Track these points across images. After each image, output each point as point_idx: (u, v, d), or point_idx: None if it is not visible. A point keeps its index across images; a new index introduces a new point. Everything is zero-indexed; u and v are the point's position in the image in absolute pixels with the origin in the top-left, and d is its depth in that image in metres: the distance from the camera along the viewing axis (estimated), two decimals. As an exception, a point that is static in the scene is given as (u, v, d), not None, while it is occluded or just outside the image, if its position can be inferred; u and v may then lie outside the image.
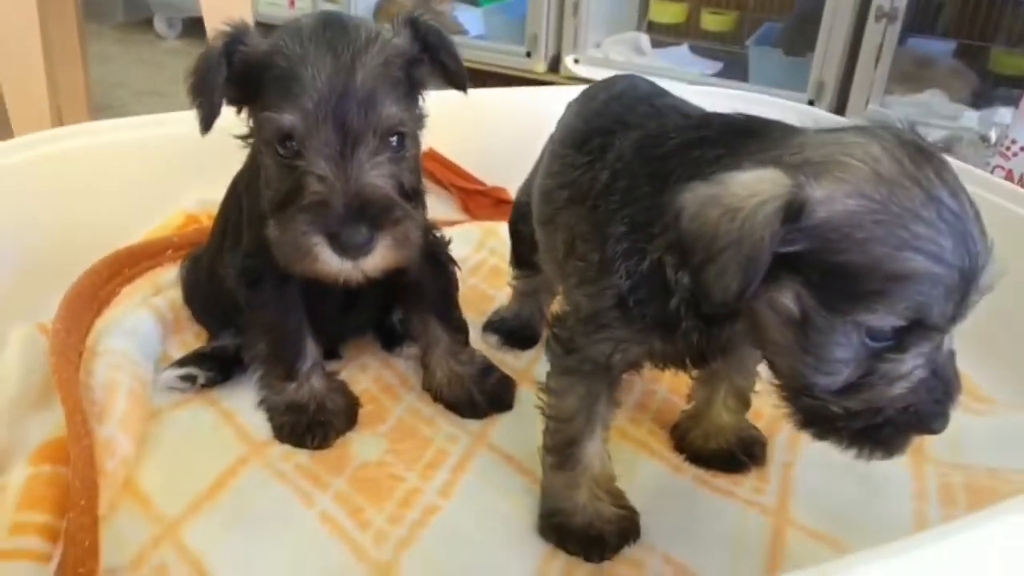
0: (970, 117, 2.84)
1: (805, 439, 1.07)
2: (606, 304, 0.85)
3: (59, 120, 2.34)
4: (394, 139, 0.91)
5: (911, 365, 0.69)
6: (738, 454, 1.06)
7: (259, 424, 1.10)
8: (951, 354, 0.71)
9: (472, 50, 3.65)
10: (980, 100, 3.00)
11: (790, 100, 2.93)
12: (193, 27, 4.11)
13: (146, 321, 1.20)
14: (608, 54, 3.51)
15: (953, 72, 3.15)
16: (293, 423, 1.08)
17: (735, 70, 3.38)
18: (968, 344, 1.27)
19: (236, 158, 1.06)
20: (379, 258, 0.88)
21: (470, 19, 3.83)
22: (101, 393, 1.04)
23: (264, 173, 0.96)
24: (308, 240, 0.86)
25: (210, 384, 1.15)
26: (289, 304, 1.07)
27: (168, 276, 1.29)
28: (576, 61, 3.47)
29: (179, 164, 1.40)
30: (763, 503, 1.00)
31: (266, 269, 1.03)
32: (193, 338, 1.25)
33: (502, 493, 1.01)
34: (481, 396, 1.15)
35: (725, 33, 3.67)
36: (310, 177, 0.87)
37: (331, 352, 1.22)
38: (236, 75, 0.93)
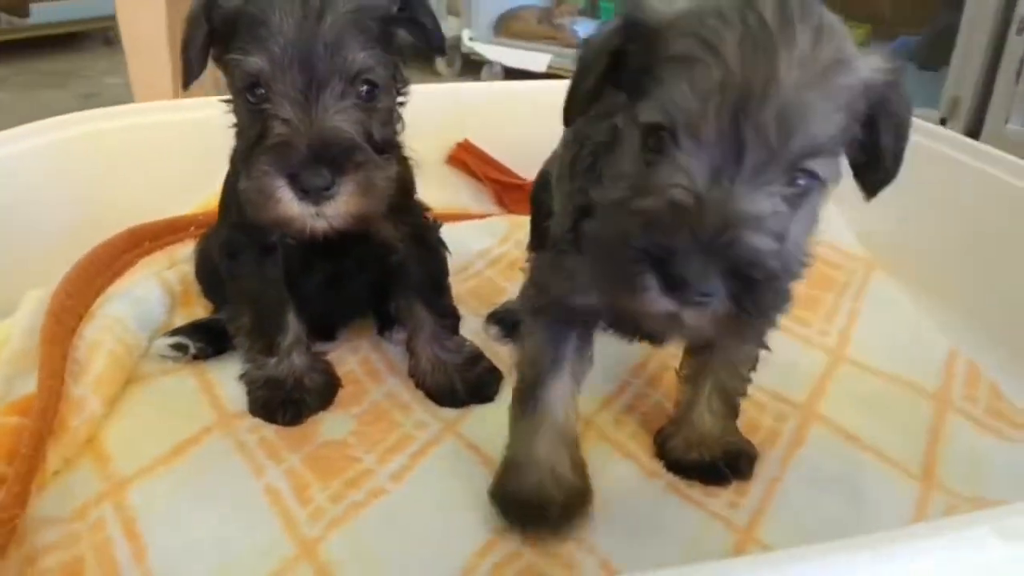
0: (1119, 135, 2.55)
1: (801, 455, 0.99)
2: (563, 229, 0.86)
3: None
4: (364, 88, 0.90)
5: (664, 176, 0.62)
6: (720, 466, 0.96)
7: (237, 397, 1.10)
8: (736, 194, 0.60)
9: (587, 63, 3.62)
10: None
11: (921, 117, 2.80)
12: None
13: (153, 291, 1.23)
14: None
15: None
16: (267, 398, 1.07)
17: (864, 85, 3.18)
18: (1001, 351, 1.13)
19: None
20: (342, 204, 0.86)
21: (588, 31, 3.79)
22: (84, 352, 1.07)
23: (237, 124, 0.97)
24: (270, 182, 0.85)
25: (201, 355, 1.17)
26: (269, 277, 1.06)
27: (185, 251, 1.32)
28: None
29: (217, 148, 1.43)
30: (732, 518, 0.91)
31: (246, 241, 1.04)
32: (202, 311, 1.27)
33: (454, 484, 0.96)
34: (462, 385, 1.10)
35: (856, 47, 3.47)
36: (274, 120, 0.87)
37: (327, 333, 1.22)
38: (217, 33, 0.94)
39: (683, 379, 0.99)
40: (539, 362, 0.89)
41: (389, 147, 0.97)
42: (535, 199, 1.21)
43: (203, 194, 1.47)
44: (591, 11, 4.10)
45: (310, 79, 0.86)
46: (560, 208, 0.94)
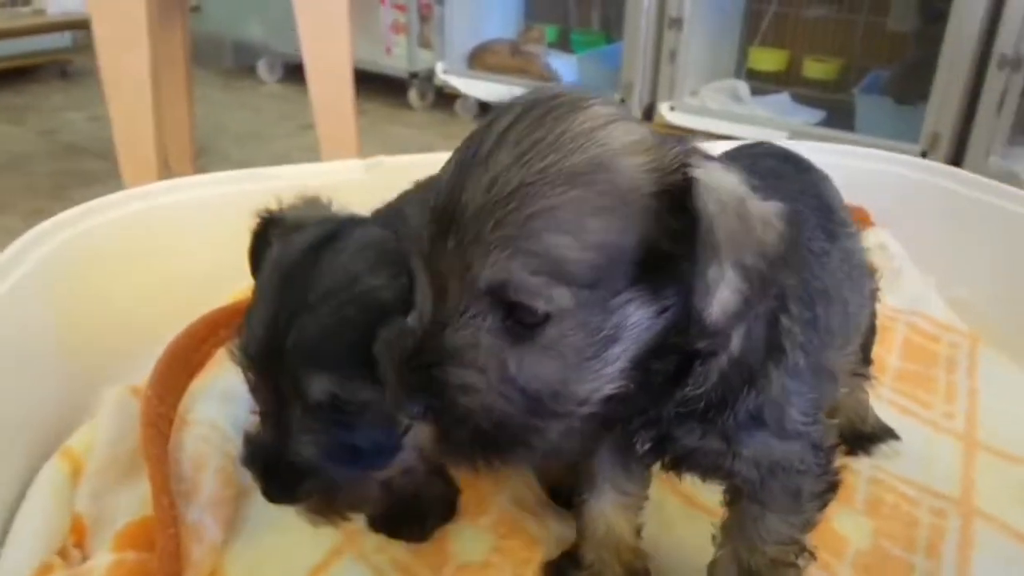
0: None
1: (978, 560, 0.95)
2: None
3: (164, 163, 2.38)
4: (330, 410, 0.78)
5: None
6: None
7: (353, 507, 1.01)
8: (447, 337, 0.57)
9: (566, 97, 3.60)
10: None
11: (901, 151, 2.84)
12: (294, 72, 4.18)
13: (237, 385, 1.13)
14: (705, 102, 3.41)
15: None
16: (386, 510, 0.98)
17: (839, 119, 3.24)
18: None
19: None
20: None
21: (564, 66, 3.79)
22: (189, 469, 0.97)
23: None
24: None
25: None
26: None
27: (263, 339, 1.23)
28: (672, 109, 3.38)
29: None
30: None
31: None
32: (286, 406, 1.18)
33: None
34: None
35: (828, 81, 3.53)
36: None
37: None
38: None
39: (720, 529, 0.84)
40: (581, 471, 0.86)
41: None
42: None
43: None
44: (563, 44, 4.07)
45: (276, 395, 0.78)
46: None
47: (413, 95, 3.91)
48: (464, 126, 3.76)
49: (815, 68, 3.54)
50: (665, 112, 3.38)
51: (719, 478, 0.77)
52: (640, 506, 0.90)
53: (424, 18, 3.91)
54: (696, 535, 0.97)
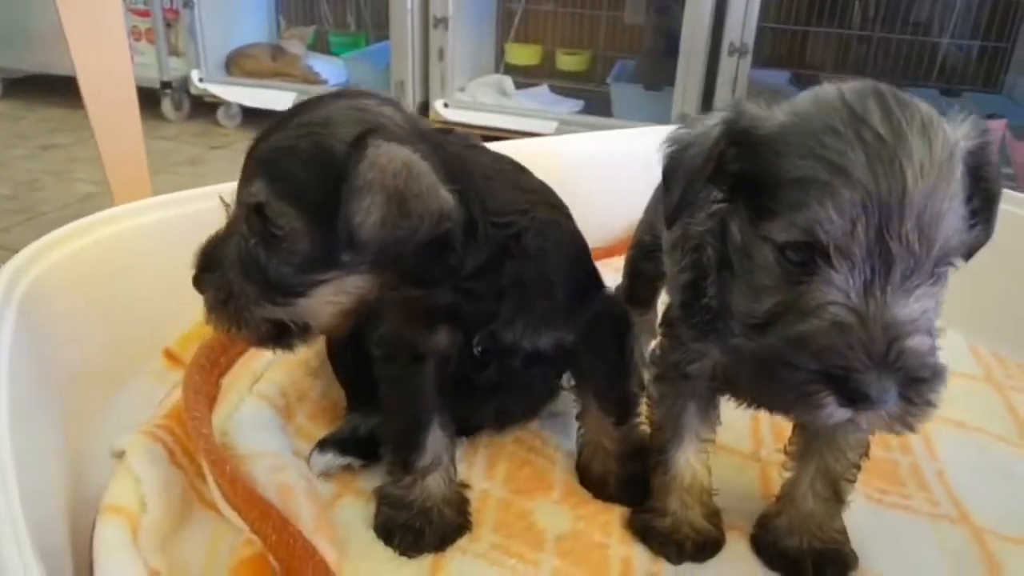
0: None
1: (942, 447, 1.15)
2: (675, 302, 0.90)
3: None
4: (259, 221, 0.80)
5: (819, 295, 0.65)
6: (807, 568, 0.95)
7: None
8: (890, 304, 0.64)
9: (336, 99, 3.55)
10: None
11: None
12: (16, 87, 3.71)
13: (265, 413, 1.08)
14: (476, 96, 3.54)
15: (791, 96, 3.45)
16: (389, 516, 0.98)
17: (597, 107, 3.47)
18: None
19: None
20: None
21: (329, 68, 3.73)
22: (277, 501, 0.92)
23: None
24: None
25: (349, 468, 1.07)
26: (416, 386, 0.96)
27: (261, 361, 1.16)
28: (446, 105, 3.47)
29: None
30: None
31: (402, 343, 0.95)
32: (307, 421, 1.14)
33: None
34: (615, 479, 1.06)
35: (581, 72, 3.80)
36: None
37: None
38: None
39: (790, 455, 0.99)
40: (664, 430, 0.97)
41: None
42: (635, 268, 1.26)
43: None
44: (321, 47, 4.00)
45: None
46: (671, 281, 0.97)
47: (167, 106, 3.65)
48: (228, 135, 3.58)
49: (567, 61, 3.80)
50: (440, 109, 3.45)
51: None
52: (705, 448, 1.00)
53: (169, 24, 3.65)
54: (723, 468, 1.10)
